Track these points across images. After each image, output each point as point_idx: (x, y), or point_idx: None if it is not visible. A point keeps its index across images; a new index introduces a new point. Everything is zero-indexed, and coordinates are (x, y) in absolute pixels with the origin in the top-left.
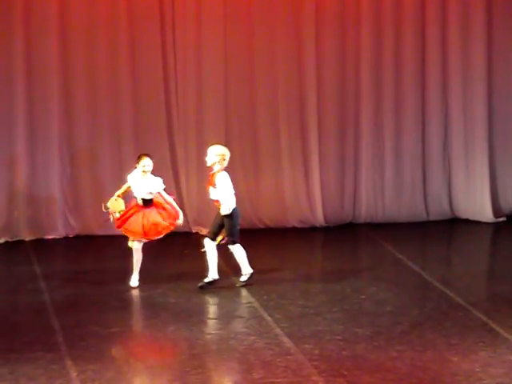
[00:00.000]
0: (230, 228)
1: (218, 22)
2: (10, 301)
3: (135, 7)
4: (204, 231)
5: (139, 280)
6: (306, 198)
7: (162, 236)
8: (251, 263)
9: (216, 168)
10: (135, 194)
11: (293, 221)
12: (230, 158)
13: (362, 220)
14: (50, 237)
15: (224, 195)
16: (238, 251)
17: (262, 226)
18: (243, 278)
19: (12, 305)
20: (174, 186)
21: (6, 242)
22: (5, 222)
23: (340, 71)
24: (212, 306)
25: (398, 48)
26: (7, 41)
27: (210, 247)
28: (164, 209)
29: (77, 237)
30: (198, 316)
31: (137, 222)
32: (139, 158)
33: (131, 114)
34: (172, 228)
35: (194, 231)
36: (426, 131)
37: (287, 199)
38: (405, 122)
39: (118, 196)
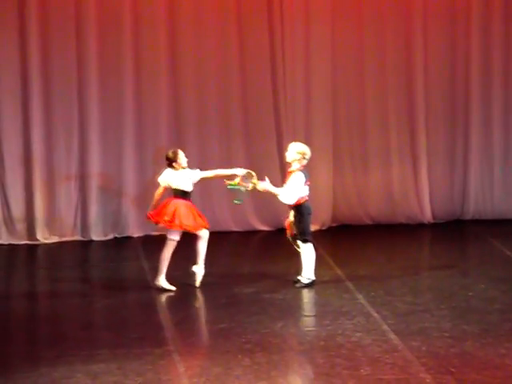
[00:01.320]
0: (301, 226)
1: (326, 20)
2: (119, 296)
3: (244, 5)
4: (311, 227)
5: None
6: (414, 195)
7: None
8: (360, 259)
9: (294, 166)
10: (186, 187)
11: (401, 217)
12: (339, 154)
13: (470, 216)
14: (158, 233)
15: (287, 190)
16: (308, 251)
17: (369, 222)
18: (304, 281)
19: (120, 300)
20: (281, 183)
21: (115, 238)
22: (114, 219)
23: (449, 67)
24: (319, 302)
25: (507, 44)
26: (116, 38)
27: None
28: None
29: (183, 234)
30: (305, 312)
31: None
32: (177, 154)
33: (240, 113)
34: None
35: None
36: None
37: (395, 195)
38: None
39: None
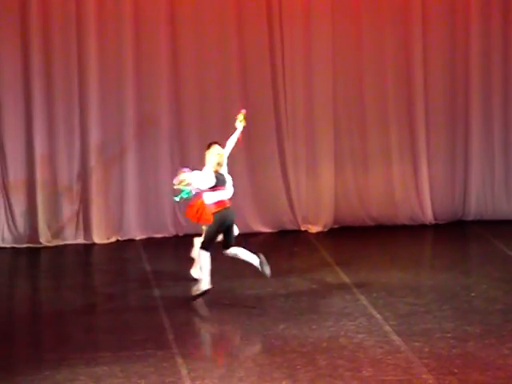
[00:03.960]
0: (208, 231)
1: (325, 21)
2: (121, 299)
3: (243, 8)
4: (313, 229)
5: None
6: (416, 196)
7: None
8: (362, 260)
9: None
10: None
11: (402, 218)
12: (340, 154)
13: (471, 217)
14: (160, 235)
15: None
16: (204, 259)
17: (371, 224)
18: (196, 292)
19: (123, 303)
20: (283, 185)
21: (117, 241)
22: (116, 222)
23: (449, 65)
24: (321, 304)
25: (507, 43)
26: (117, 37)
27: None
28: None
29: (186, 235)
30: (307, 314)
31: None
32: (210, 147)
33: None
34: None
35: (302, 229)
36: None
37: (397, 197)
38: None
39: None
